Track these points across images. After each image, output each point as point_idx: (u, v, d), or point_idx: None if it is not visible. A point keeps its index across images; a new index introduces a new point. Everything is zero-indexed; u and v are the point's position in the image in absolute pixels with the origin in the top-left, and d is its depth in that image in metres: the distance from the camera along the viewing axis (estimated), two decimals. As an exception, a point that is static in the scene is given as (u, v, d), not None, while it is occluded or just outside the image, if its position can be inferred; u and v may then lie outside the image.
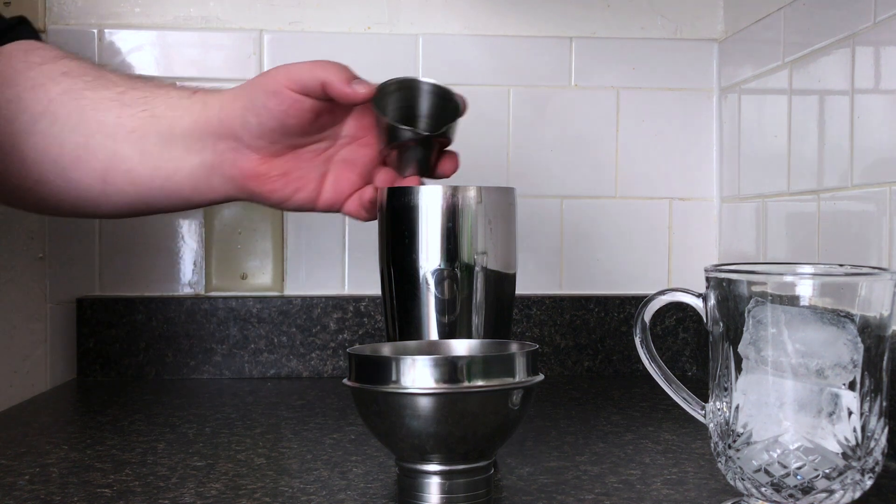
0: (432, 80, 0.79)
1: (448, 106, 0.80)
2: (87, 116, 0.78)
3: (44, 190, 0.80)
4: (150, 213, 0.85)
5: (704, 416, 0.63)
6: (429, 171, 0.80)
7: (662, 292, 0.65)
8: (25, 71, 0.79)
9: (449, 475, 0.60)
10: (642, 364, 0.66)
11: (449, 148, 0.81)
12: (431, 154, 0.79)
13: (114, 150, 0.78)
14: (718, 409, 0.61)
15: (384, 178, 0.80)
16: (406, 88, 0.79)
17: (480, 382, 0.59)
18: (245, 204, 1.17)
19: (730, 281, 0.59)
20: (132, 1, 1.17)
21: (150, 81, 0.82)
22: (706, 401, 0.63)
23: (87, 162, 0.79)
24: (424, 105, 0.80)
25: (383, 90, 0.77)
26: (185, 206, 0.83)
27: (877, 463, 0.58)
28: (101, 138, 0.78)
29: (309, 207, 0.81)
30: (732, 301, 0.59)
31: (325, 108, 0.77)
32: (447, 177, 0.81)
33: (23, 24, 0.83)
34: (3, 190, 0.82)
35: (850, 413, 0.57)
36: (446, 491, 0.61)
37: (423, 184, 0.78)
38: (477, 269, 0.76)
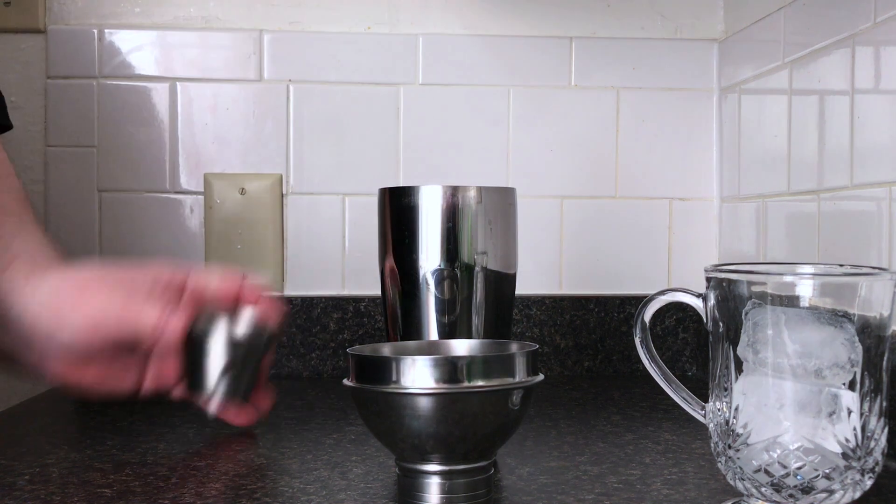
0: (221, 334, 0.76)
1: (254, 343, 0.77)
2: None
3: None
4: None
5: (704, 417, 0.63)
6: (245, 391, 0.79)
7: (662, 292, 0.65)
8: None
9: (449, 475, 0.60)
10: (642, 364, 0.66)
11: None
12: (251, 371, 0.78)
13: None
14: (718, 410, 0.61)
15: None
16: (203, 341, 0.77)
17: (480, 382, 0.59)
18: (245, 204, 1.17)
19: (730, 281, 0.59)
20: (132, 1, 1.17)
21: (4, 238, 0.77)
22: (706, 401, 0.63)
23: None
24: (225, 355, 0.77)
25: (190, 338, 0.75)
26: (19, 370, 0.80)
27: (877, 463, 0.58)
28: None
29: (131, 397, 0.79)
30: (732, 301, 0.59)
31: (136, 344, 0.74)
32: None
33: None
34: None
35: (849, 413, 0.57)
36: (446, 491, 0.61)
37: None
38: (477, 269, 0.76)
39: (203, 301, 0.78)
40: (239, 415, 0.80)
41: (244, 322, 0.76)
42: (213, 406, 0.76)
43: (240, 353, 0.75)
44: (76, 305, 0.73)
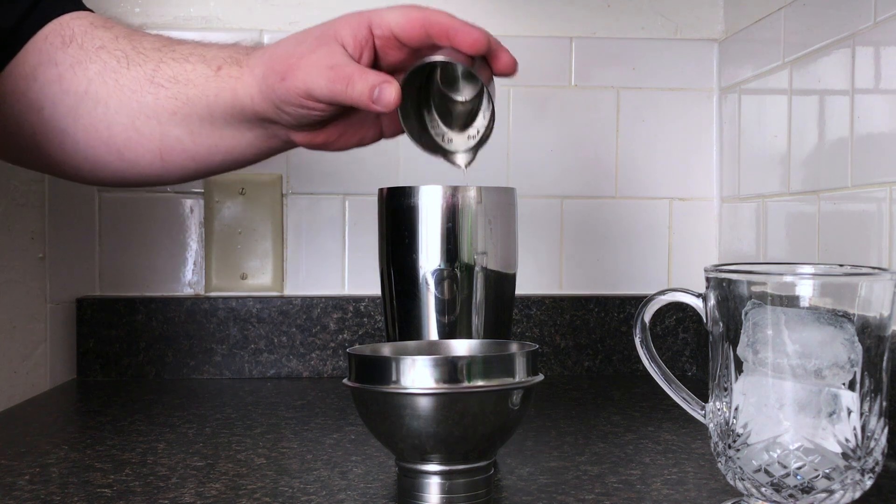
0: (447, 60, 0.72)
1: (471, 81, 0.74)
2: (126, 97, 0.76)
3: (103, 172, 0.79)
4: (213, 174, 0.83)
5: (704, 416, 0.63)
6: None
7: (662, 292, 0.65)
8: (63, 48, 0.76)
9: (449, 475, 0.61)
10: (642, 364, 0.66)
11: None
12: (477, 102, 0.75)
13: (162, 132, 0.76)
14: (718, 410, 0.61)
15: None
16: (425, 85, 0.75)
17: (480, 382, 0.59)
18: (245, 204, 1.17)
19: (730, 281, 0.59)
20: (132, 1, 1.17)
21: (178, 51, 0.78)
22: (706, 401, 0.63)
23: (139, 143, 0.77)
24: (453, 93, 0.75)
25: (405, 93, 0.72)
26: (251, 164, 0.82)
27: (877, 463, 0.58)
28: (146, 120, 0.76)
29: (377, 140, 0.80)
30: (732, 301, 0.59)
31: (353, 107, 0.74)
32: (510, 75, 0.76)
33: None
34: (66, 173, 0.80)
35: (849, 413, 0.57)
36: (446, 491, 0.61)
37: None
38: (477, 269, 0.76)
39: (405, 53, 0.75)
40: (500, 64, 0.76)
41: (461, 72, 0.74)
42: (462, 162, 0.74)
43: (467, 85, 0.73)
44: (285, 87, 0.72)
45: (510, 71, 0.74)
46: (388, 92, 0.70)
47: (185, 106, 0.76)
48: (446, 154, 0.75)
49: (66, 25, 0.78)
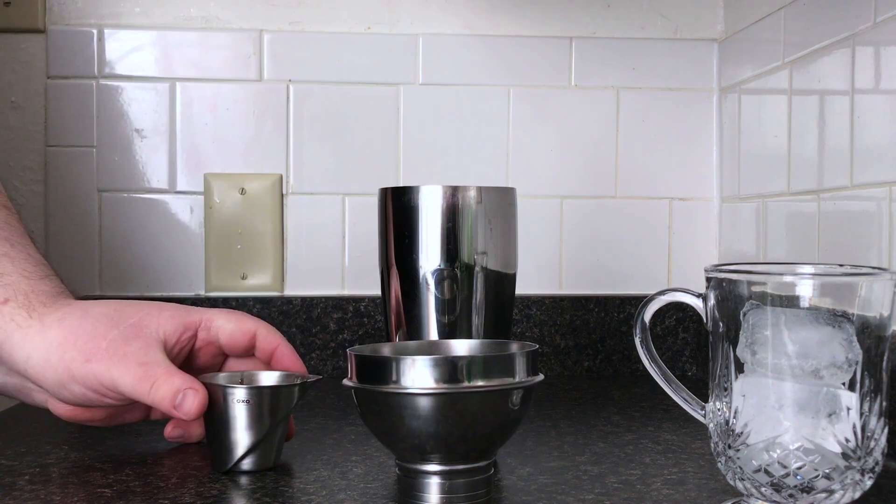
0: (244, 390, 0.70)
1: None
2: None
3: None
4: None
5: (704, 416, 0.63)
6: (276, 456, 0.73)
7: (662, 292, 0.65)
8: None
9: (449, 475, 0.61)
10: (642, 364, 0.66)
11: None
12: (281, 431, 0.73)
13: None
14: (718, 410, 0.61)
15: None
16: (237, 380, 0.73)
17: (480, 382, 0.59)
18: (245, 204, 1.17)
19: (730, 281, 0.59)
20: (132, 1, 1.17)
21: None
22: (706, 401, 0.63)
23: None
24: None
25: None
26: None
27: (877, 463, 0.58)
28: None
29: (143, 419, 0.77)
30: (732, 301, 0.59)
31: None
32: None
33: None
34: None
35: (849, 413, 0.57)
36: (446, 491, 0.61)
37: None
38: (477, 269, 0.76)
39: (218, 357, 0.75)
40: None
41: (266, 392, 0.71)
42: (249, 467, 0.71)
43: (265, 426, 0.70)
44: (85, 371, 0.68)
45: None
46: (191, 401, 0.68)
47: None
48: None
49: None
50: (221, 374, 0.74)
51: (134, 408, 0.76)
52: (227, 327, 0.74)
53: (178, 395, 0.68)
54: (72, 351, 0.68)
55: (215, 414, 0.70)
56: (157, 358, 0.69)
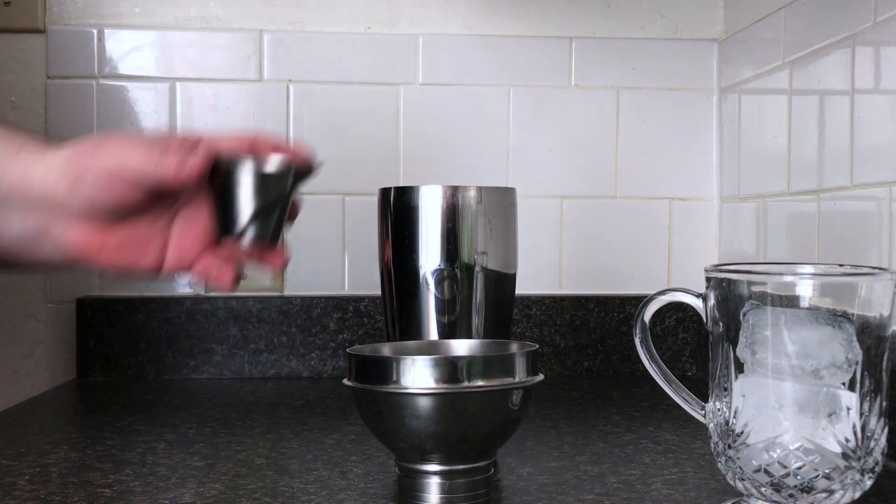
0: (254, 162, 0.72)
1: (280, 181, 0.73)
2: None
3: None
4: None
5: (704, 416, 0.63)
6: (277, 234, 0.74)
7: (662, 292, 0.65)
8: None
9: (449, 475, 0.61)
10: (642, 364, 0.66)
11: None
12: (281, 212, 0.74)
13: None
14: (718, 410, 0.61)
15: (231, 249, 0.74)
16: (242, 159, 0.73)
17: (480, 382, 0.59)
18: (245, 204, 1.17)
19: (730, 281, 0.59)
20: (132, 1, 1.17)
21: None
22: (706, 401, 0.63)
23: None
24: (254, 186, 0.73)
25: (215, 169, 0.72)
26: (19, 267, 0.77)
27: (877, 463, 0.58)
28: None
29: (152, 276, 0.75)
30: (732, 301, 0.59)
31: (160, 192, 0.72)
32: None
33: None
34: None
35: (849, 413, 0.57)
36: (446, 491, 0.61)
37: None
38: (477, 269, 0.76)
39: (222, 149, 0.75)
40: (272, 258, 0.75)
41: (271, 161, 0.72)
42: (246, 244, 0.72)
43: (270, 189, 0.72)
44: (95, 158, 0.71)
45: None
46: (195, 159, 0.69)
47: None
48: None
49: None
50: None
51: (144, 240, 0.74)
52: (227, 143, 0.74)
53: (185, 157, 0.70)
54: (82, 149, 0.71)
55: (221, 184, 0.72)
56: (164, 146, 0.71)
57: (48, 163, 0.72)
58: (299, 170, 0.72)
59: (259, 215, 0.71)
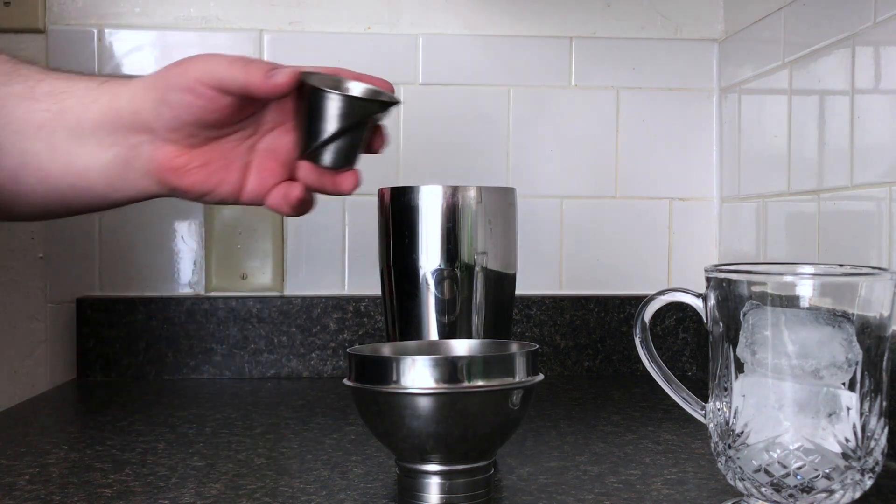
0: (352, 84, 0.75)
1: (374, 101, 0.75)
2: None
3: None
4: (68, 214, 0.79)
5: (704, 416, 0.63)
6: (353, 156, 0.74)
7: (662, 292, 0.65)
8: None
9: (449, 475, 0.61)
10: (642, 364, 0.66)
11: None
12: (359, 137, 0.74)
13: (23, 147, 0.73)
14: (718, 410, 0.61)
15: (306, 172, 0.74)
16: (328, 80, 0.75)
17: (480, 382, 0.59)
18: (245, 204, 1.17)
19: (730, 281, 0.59)
20: (132, 1, 1.17)
21: (64, 74, 0.76)
22: (706, 401, 0.63)
23: None
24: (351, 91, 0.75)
25: (307, 75, 0.73)
26: (102, 205, 0.77)
27: (877, 463, 0.58)
28: (9, 135, 0.73)
29: (232, 201, 0.76)
30: (732, 301, 0.59)
31: (245, 102, 0.72)
32: (377, 153, 0.75)
33: None
34: None
35: (849, 413, 0.57)
36: (446, 491, 0.61)
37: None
38: (477, 269, 0.76)
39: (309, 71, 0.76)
40: (344, 179, 0.74)
41: (357, 85, 0.75)
42: (323, 162, 0.72)
43: (354, 112, 0.72)
44: (182, 70, 0.72)
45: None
46: (283, 74, 0.72)
47: (55, 117, 0.73)
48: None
49: None
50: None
51: (228, 161, 0.74)
52: (313, 68, 0.76)
53: (271, 70, 0.71)
54: (166, 69, 0.73)
55: (307, 102, 0.73)
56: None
57: (134, 86, 0.74)
58: (383, 100, 0.73)
59: (339, 136, 0.72)
